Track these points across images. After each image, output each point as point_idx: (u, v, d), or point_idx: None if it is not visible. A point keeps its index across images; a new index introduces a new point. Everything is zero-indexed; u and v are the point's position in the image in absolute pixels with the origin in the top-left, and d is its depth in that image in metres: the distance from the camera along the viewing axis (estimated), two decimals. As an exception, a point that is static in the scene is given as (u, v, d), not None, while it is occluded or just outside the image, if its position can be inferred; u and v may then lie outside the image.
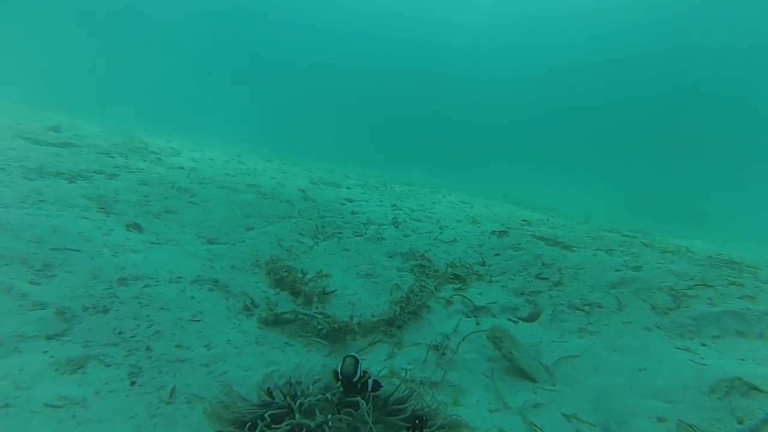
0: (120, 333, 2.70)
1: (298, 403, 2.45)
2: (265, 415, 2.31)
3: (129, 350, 2.57)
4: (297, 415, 2.31)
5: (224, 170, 9.68)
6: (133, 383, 2.30)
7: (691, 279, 4.12)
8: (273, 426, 2.25)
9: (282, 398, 2.67)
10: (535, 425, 2.67)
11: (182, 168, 8.52)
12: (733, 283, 3.89)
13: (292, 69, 50.46)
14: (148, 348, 2.67)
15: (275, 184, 8.60)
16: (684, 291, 3.87)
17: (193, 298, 3.61)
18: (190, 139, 15.43)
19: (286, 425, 2.27)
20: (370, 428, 2.38)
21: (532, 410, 2.86)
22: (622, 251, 5.45)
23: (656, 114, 40.68)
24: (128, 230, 4.33)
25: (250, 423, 2.36)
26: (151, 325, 2.93)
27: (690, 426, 2.49)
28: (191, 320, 3.24)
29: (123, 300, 3.04)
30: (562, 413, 2.83)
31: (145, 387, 2.33)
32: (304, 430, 2.20)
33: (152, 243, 4.35)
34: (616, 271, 4.57)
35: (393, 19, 51.18)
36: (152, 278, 3.59)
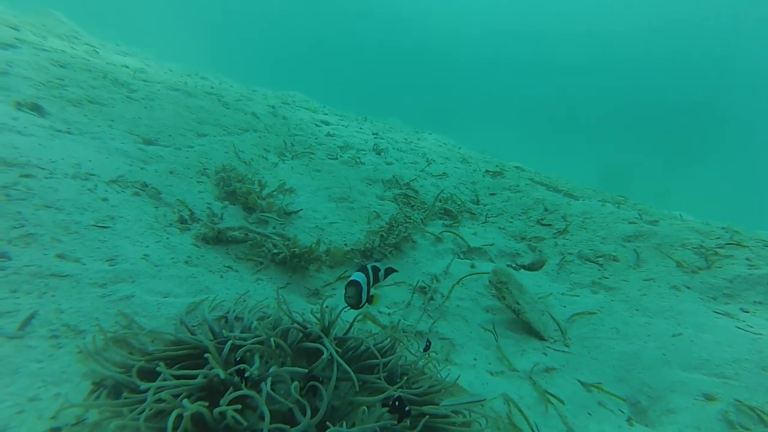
0: (-45, 226, 1.76)
1: (229, 345, 1.63)
2: (158, 360, 1.48)
3: (-38, 252, 1.65)
4: (217, 365, 1.50)
5: (181, 80, 8.24)
6: (-52, 300, 1.41)
7: (718, 238, 3.55)
8: (180, 377, 1.45)
9: (212, 337, 1.88)
10: (549, 394, 2.04)
11: (126, 67, 7.08)
12: (769, 246, 3.35)
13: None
14: (3, 256, 1.76)
15: (240, 97, 7.39)
16: (714, 249, 3.29)
17: (105, 200, 2.66)
18: (153, 54, 13.08)
19: (201, 378, 1.47)
20: (335, 387, 1.67)
21: (543, 375, 2.23)
22: (628, 206, 4.86)
23: (639, 95, 40.86)
24: (19, 109, 3.22)
25: (145, 365, 1.53)
26: (21, 226, 2.00)
27: (752, 409, 1.91)
28: (93, 225, 2.32)
29: (-24, 184, 2.06)
30: (579, 381, 2.21)
31: (-24, 308, 1.45)
32: (231, 388, 1.42)
33: (57, 131, 3.27)
34: (630, 223, 3.95)
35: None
36: (43, 168, 2.59)
